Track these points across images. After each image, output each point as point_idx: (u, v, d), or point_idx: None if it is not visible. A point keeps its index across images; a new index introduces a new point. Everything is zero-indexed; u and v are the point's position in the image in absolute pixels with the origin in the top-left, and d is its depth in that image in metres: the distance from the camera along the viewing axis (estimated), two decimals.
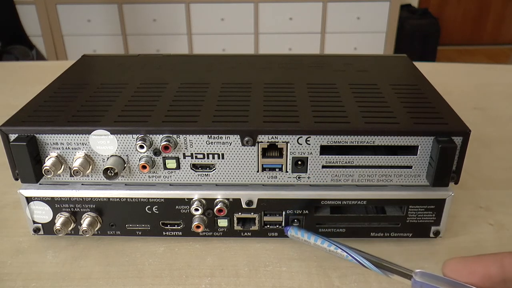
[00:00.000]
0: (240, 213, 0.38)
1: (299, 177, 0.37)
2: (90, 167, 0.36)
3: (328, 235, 0.39)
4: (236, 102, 0.39)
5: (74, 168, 0.35)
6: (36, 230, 0.39)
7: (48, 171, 0.35)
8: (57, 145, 0.36)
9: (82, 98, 0.40)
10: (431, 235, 0.39)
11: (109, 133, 0.35)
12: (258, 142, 0.35)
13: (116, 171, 0.35)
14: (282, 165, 0.36)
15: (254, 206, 0.38)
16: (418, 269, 0.28)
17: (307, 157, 0.36)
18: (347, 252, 0.33)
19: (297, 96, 0.40)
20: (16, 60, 1.44)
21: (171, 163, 0.36)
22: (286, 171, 0.37)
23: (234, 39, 2.30)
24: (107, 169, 0.36)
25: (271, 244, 0.39)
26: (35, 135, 0.35)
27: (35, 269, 0.37)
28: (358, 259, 0.32)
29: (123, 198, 0.38)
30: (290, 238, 0.37)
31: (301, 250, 0.39)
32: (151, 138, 0.35)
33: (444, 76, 0.78)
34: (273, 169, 0.37)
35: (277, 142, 0.35)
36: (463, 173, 0.36)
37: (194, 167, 0.37)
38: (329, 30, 2.29)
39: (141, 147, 0.35)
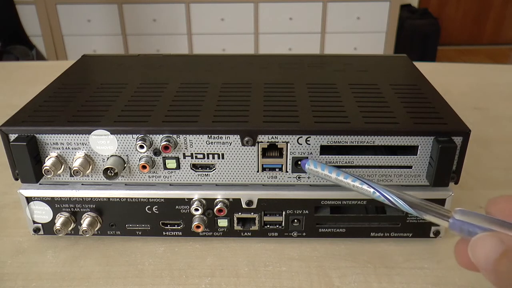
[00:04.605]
0: (240, 213, 0.38)
1: (299, 177, 0.37)
2: (90, 167, 0.36)
3: (328, 235, 0.39)
4: (236, 102, 0.39)
5: (74, 168, 0.35)
6: (36, 230, 0.39)
7: (48, 171, 0.35)
8: (57, 145, 0.36)
9: (82, 98, 0.40)
10: (431, 235, 0.39)
11: (109, 133, 0.35)
12: (258, 142, 0.35)
13: (116, 171, 0.35)
14: (282, 165, 0.36)
15: (254, 206, 0.38)
16: (453, 214, 0.24)
17: (307, 157, 0.36)
18: (374, 188, 0.28)
19: (297, 96, 0.40)
20: (16, 60, 1.44)
21: (171, 163, 0.36)
22: (286, 171, 0.37)
23: (234, 39, 2.30)
24: (107, 169, 0.36)
25: (271, 244, 0.39)
26: (35, 135, 0.35)
27: (35, 269, 0.37)
28: (387, 195, 0.27)
29: (123, 198, 0.38)
30: (307, 172, 0.33)
31: (301, 250, 0.39)
32: (151, 138, 0.35)
33: (444, 76, 0.78)
34: (273, 169, 0.37)
35: (277, 142, 0.35)
36: (463, 173, 0.36)
37: (194, 167, 0.37)
38: (329, 30, 2.29)
39: (141, 147, 0.35)
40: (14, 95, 0.70)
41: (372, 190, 0.28)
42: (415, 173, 0.37)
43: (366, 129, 0.35)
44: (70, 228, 0.38)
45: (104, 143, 0.35)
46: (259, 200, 0.37)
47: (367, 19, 2.27)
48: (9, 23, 1.54)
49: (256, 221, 0.38)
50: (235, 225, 0.39)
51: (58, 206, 0.38)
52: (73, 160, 0.36)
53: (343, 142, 0.35)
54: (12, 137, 0.35)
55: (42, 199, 0.38)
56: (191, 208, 0.37)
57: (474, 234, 0.23)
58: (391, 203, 0.27)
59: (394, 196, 0.27)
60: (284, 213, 0.38)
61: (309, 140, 0.35)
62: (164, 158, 0.36)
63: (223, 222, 0.38)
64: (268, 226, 0.39)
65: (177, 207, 0.38)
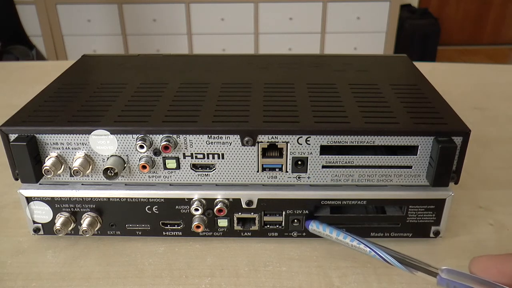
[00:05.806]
0: (240, 213, 0.38)
1: (299, 177, 0.37)
2: (90, 167, 0.36)
3: None
4: (236, 102, 0.39)
5: (74, 168, 0.35)
6: (36, 230, 0.39)
7: (48, 171, 0.35)
8: (57, 145, 0.36)
9: (82, 98, 0.40)
10: (431, 235, 0.39)
11: (109, 133, 0.35)
12: (258, 142, 0.35)
13: (116, 171, 0.35)
14: (282, 165, 0.36)
15: (254, 206, 0.38)
16: (444, 266, 0.27)
17: (307, 157, 0.36)
18: (370, 248, 0.32)
19: (297, 96, 0.40)
20: (16, 60, 1.44)
21: (171, 163, 0.36)
22: (286, 171, 0.37)
23: (234, 39, 2.30)
24: (107, 169, 0.36)
25: (271, 244, 0.39)
26: (35, 135, 0.35)
27: (35, 269, 0.37)
28: (381, 255, 0.31)
29: (123, 198, 0.38)
30: (311, 232, 0.37)
31: (301, 250, 0.39)
32: (151, 138, 0.35)
33: (444, 76, 0.78)
34: (273, 169, 0.37)
35: (277, 142, 0.35)
36: (463, 173, 0.36)
37: (194, 167, 0.37)
38: (329, 30, 2.29)
39: (141, 147, 0.35)
40: (14, 95, 0.70)
41: (368, 249, 0.32)
42: (415, 173, 0.37)
43: (366, 129, 0.35)
44: (70, 228, 0.38)
45: (104, 143, 0.35)
46: (259, 200, 0.37)
47: (367, 19, 2.27)
48: (9, 23, 1.54)
49: (256, 221, 0.38)
50: (235, 225, 0.39)
51: (58, 206, 0.38)
52: (73, 160, 0.36)
53: (343, 142, 0.35)
54: (12, 137, 0.35)
55: (42, 199, 0.38)
56: (191, 208, 0.37)
57: None
58: (384, 260, 0.30)
59: (388, 255, 0.30)
60: (284, 213, 0.38)
61: (309, 140, 0.35)
62: (164, 158, 0.36)
63: (223, 222, 0.38)
64: (268, 226, 0.39)
65: (177, 207, 0.38)
